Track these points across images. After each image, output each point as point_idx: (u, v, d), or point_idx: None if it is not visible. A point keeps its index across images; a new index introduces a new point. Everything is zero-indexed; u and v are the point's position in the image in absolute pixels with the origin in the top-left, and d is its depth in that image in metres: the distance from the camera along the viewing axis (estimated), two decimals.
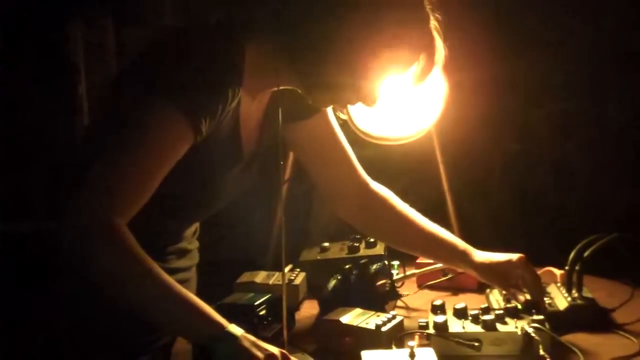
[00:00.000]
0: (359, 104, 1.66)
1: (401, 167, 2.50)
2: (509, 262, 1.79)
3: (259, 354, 1.40)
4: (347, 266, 1.91)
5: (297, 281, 1.96)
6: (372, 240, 2.12)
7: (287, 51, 1.60)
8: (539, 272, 2.00)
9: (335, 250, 2.07)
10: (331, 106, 1.74)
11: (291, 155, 2.24)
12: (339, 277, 1.86)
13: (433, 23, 1.63)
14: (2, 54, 2.47)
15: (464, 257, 1.83)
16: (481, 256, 1.83)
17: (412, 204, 2.05)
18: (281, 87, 1.73)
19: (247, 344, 1.42)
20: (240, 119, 1.65)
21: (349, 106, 1.94)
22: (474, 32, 2.41)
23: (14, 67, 2.47)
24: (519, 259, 1.78)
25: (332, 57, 1.57)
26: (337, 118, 1.85)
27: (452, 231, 2.24)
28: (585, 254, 1.76)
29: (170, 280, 1.46)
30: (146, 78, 1.54)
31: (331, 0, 1.55)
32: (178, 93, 1.50)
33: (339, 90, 1.62)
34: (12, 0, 2.48)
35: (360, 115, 2.10)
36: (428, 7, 1.61)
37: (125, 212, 1.47)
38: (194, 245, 1.86)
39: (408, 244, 1.94)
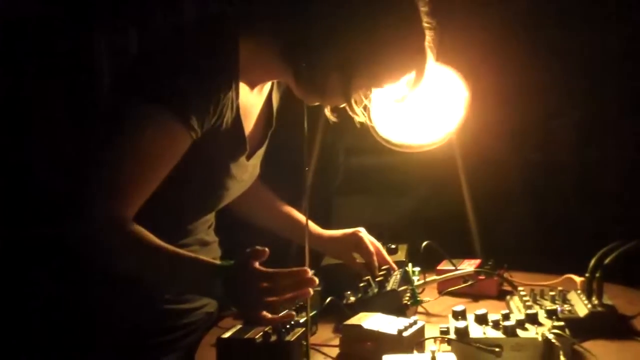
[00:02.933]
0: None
1: (421, 175, 2.51)
2: (345, 234, 2.05)
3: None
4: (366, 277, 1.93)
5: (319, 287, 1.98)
6: (393, 246, 2.14)
7: (282, 47, 1.64)
8: (559, 279, 2.02)
9: (357, 256, 2.08)
10: (317, 101, 1.76)
11: (313, 163, 2.26)
12: (360, 284, 1.88)
13: (428, 40, 1.66)
14: (25, 60, 2.49)
15: (301, 230, 2.02)
16: (321, 230, 2.09)
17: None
18: (275, 80, 1.79)
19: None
20: (241, 109, 1.69)
21: (369, 112, 1.97)
22: (495, 41, 2.42)
23: (36, 73, 2.50)
24: (354, 232, 2.04)
25: (325, 59, 1.62)
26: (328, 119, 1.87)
27: (471, 239, 2.26)
28: (606, 261, 1.76)
29: (176, 250, 1.55)
30: (138, 82, 1.60)
31: (330, 5, 1.59)
32: (167, 94, 1.56)
33: (327, 92, 1.66)
34: (36, 7, 2.51)
35: (382, 122, 2.11)
36: (425, 24, 1.64)
37: (130, 206, 1.55)
38: (211, 237, 1.90)
39: (267, 222, 2.10)
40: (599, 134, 2.62)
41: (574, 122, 2.63)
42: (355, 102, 1.73)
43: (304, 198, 1.84)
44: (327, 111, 1.78)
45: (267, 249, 1.47)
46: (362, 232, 2.05)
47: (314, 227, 2.08)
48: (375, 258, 2.01)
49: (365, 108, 1.87)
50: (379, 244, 2.05)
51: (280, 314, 1.47)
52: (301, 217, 2.09)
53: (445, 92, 2.07)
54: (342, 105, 1.73)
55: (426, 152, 2.14)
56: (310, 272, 1.49)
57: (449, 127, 2.12)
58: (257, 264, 1.46)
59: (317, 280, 1.48)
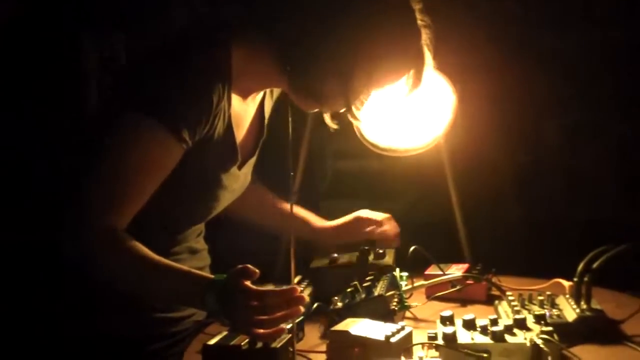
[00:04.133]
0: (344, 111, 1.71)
1: (409, 179, 2.51)
2: (356, 219, 2.08)
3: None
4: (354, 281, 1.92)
5: (306, 292, 1.96)
6: (380, 251, 2.12)
7: (277, 55, 1.63)
8: (548, 284, 2.01)
9: (345, 260, 2.08)
10: (316, 108, 1.75)
11: (300, 167, 2.25)
12: (347, 290, 1.87)
13: (424, 38, 1.65)
14: (14, 67, 2.48)
15: (304, 226, 2.09)
16: (324, 222, 2.11)
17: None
18: (270, 89, 1.77)
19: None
20: (233, 118, 1.68)
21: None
22: (485, 43, 2.42)
23: (25, 80, 2.48)
24: (356, 216, 2.08)
25: (322, 65, 1.61)
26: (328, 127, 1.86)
27: (460, 244, 2.26)
28: (594, 265, 1.75)
29: (169, 263, 1.56)
30: (129, 93, 1.60)
31: (324, 11, 1.58)
32: (157, 107, 1.56)
33: (326, 97, 1.65)
34: (25, 14, 2.50)
35: (369, 127, 2.10)
36: (420, 23, 1.64)
37: (121, 217, 1.56)
38: (201, 245, 1.90)
39: (264, 220, 2.11)
40: (589, 137, 2.62)
41: (565, 124, 2.63)
42: (354, 105, 1.71)
43: (290, 202, 1.83)
44: (327, 118, 1.77)
45: (257, 270, 1.46)
46: (364, 212, 2.09)
47: (315, 219, 2.12)
48: (390, 224, 2.07)
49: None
50: (383, 214, 2.09)
51: (272, 329, 1.46)
52: (301, 213, 2.12)
53: (432, 96, 2.07)
54: (341, 110, 1.72)
55: (414, 156, 2.14)
56: (300, 290, 1.48)
57: (436, 131, 2.12)
58: (247, 282, 1.45)
59: (307, 298, 1.48)
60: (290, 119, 1.69)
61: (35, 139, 2.48)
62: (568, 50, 2.58)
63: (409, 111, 2.05)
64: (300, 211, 2.11)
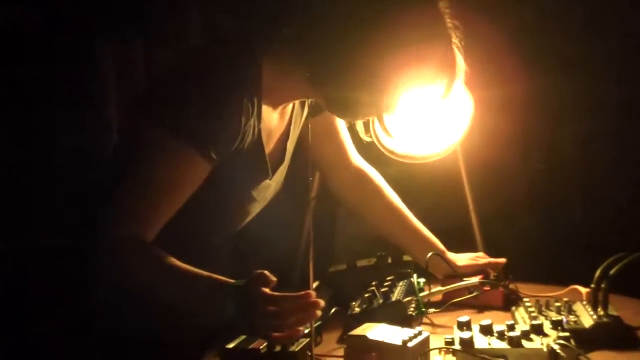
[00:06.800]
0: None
1: (426, 186, 2.51)
2: (489, 264, 2.06)
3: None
4: (373, 283, 1.93)
5: (325, 298, 1.97)
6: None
7: (308, 67, 1.63)
8: (565, 290, 2.01)
9: (363, 264, 2.09)
10: (351, 119, 1.77)
11: (317, 174, 2.26)
12: (365, 295, 1.88)
13: (454, 41, 1.66)
14: (32, 73, 2.50)
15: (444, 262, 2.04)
16: (460, 259, 2.08)
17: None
18: (302, 99, 1.78)
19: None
20: (263, 131, 1.68)
21: (374, 124, 1.98)
22: (501, 51, 2.42)
23: (43, 86, 2.50)
24: (490, 262, 2.07)
25: (354, 74, 1.61)
26: (362, 139, 1.88)
27: (476, 249, 2.26)
28: (611, 271, 1.75)
29: (191, 269, 1.55)
30: (158, 111, 1.60)
31: (353, 19, 1.59)
32: (186, 126, 1.57)
33: (360, 105, 1.66)
34: (43, 20, 2.52)
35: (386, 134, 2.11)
36: (449, 25, 1.64)
37: (148, 231, 1.57)
38: (228, 252, 1.90)
39: (390, 234, 2.12)
40: (604, 146, 2.61)
41: (580, 133, 2.62)
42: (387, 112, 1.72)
43: (308, 208, 1.85)
44: (361, 131, 1.79)
45: (274, 277, 1.48)
46: (482, 257, 2.12)
47: (448, 253, 2.11)
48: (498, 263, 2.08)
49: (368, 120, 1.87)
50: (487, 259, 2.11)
51: (288, 332, 1.48)
52: (431, 237, 2.12)
53: (449, 103, 2.07)
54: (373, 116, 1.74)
55: (430, 163, 2.14)
56: (315, 294, 1.49)
57: (453, 138, 2.12)
58: (264, 288, 1.46)
59: (322, 302, 1.49)
60: (309, 125, 1.71)
61: (55, 146, 2.50)
62: (584, 59, 2.58)
63: (426, 118, 2.05)
64: (437, 241, 2.11)
